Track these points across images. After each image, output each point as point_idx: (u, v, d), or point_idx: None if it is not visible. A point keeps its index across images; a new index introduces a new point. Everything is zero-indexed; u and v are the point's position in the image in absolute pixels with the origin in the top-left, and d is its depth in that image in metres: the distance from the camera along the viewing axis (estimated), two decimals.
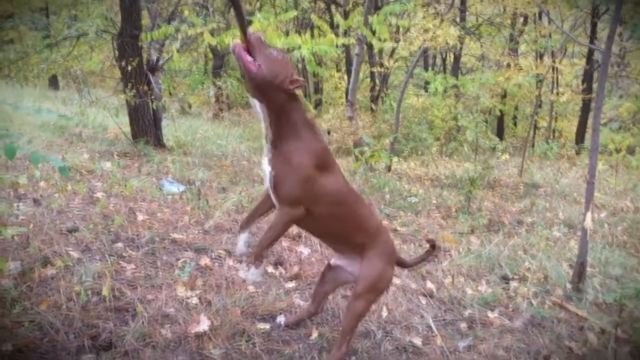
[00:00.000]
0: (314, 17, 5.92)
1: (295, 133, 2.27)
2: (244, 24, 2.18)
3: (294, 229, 4.21)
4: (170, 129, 8.66)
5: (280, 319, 2.80)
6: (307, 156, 2.27)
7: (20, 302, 2.54)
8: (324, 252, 3.90)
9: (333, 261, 2.68)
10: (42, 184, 4.54)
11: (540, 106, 14.88)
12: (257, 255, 2.35)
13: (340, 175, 2.44)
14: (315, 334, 2.72)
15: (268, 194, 2.44)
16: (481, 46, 15.23)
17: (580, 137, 16.25)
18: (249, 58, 2.17)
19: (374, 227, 2.54)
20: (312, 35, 4.49)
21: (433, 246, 2.79)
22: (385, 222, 5.09)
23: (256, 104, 2.26)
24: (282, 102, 2.24)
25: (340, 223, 2.44)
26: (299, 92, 2.32)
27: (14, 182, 4.36)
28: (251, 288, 3.12)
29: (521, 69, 12.51)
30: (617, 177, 9.40)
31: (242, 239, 2.48)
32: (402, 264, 2.78)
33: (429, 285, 3.58)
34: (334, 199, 2.36)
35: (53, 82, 16.17)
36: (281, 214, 2.31)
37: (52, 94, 13.31)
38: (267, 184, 2.35)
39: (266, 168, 2.31)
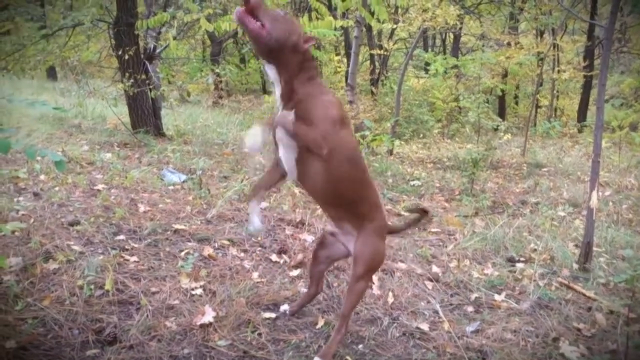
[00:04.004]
0: None
1: (313, 89, 2.22)
2: None
3: (297, 216, 4.19)
4: (169, 118, 8.62)
5: (284, 308, 2.78)
6: (330, 105, 2.23)
7: (23, 299, 2.52)
8: None
9: (329, 228, 2.62)
10: (42, 177, 4.51)
11: (541, 85, 14.78)
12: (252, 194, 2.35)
13: (354, 136, 2.41)
14: (321, 322, 2.70)
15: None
16: (481, 25, 15.10)
17: (582, 114, 16.14)
18: (257, 23, 2.09)
19: (375, 203, 2.49)
20: (310, 18, 4.41)
21: (425, 212, 2.76)
22: (388, 207, 5.06)
23: (271, 68, 2.20)
24: (298, 62, 2.18)
25: (350, 185, 2.34)
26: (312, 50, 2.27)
27: (14, 176, 4.33)
28: (255, 277, 3.10)
29: (522, 48, 12.41)
30: (621, 154, 9.33)
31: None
32: (393, 231, 2.73)
33: (435, 269, 3.55)
34: (349, 155, 2.29)
35: (51, 73, 16.07)
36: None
37: (50, 85, 13.25)
38: (281, 134, 2.22)
39: (282, 115, 2.20)
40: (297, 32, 2.16)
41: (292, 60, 2.17)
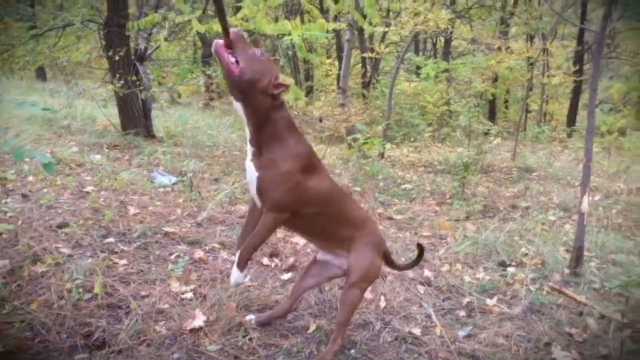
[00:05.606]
0: (304, 1, 5.81)
1: (279, 138, 2.20)
2: (225, 21, 2.08)
3: None
4: (160, 120, 8.56)
5: (251, 317, 2.66)
6: (294, 161, 2.21)
7: (10, 302, 2.48)
8: None
9: (319, 256, 2.61)
10: (30, 178, 4.46)
11: (531, 89, 14.84)
12: (242, 261, 2.28)
13: (326, 174, 2.39)
14: (313, 327, 2.67)
15: (254, 204, 2.38)
16: (472, 29, 15.16)
17: (571, 119, 16.26)
18: (231, 59, 2.08)
19: (360, 220, 2.50)
20: (302, 21, 4.39)
21: (422, 250, 2.77)
22: (379, 210, 5.05)
23: (238, 106, 2.18)
24: (265, 106, 2.16)
25: (327, 221, 2.40)
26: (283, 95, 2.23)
27: (2, 178, 4.28)
28: (246, 281, 3.07)
29: (512, 52, 12.47)
30: (610, 159, 9.39)
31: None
32: (390, 262, 2.72)
33: (427, 273, 3.54)
34: (321, 199, 2.32)
35: (40, 74, 15.94)
36: (267, 219, 2.24)
37: (39, 85, 13.12)
38: (252, 188, 2.27)
39: (251, 171, 2.24)
40: (270, 75, 2.13)
41: (260, 103, 2.14)
